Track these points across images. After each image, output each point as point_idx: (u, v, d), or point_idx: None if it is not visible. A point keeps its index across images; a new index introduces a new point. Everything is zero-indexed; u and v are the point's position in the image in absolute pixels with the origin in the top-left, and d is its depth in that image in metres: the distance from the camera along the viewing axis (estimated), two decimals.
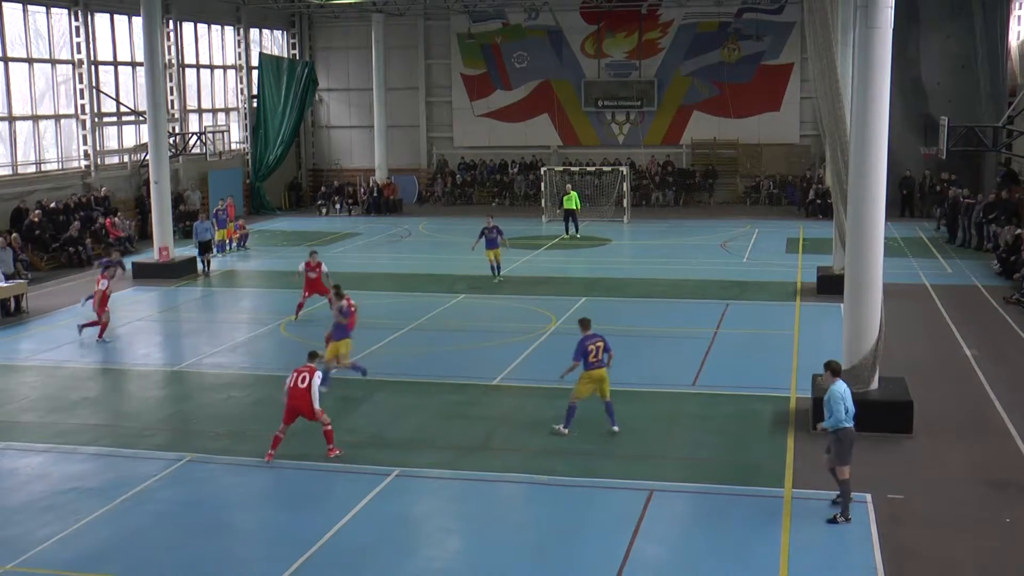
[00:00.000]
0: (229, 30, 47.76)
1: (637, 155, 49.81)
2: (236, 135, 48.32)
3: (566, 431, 16.53)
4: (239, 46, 48.18)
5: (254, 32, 49.69)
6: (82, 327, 23.70)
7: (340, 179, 51.33)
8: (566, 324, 24.32)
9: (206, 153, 43.65)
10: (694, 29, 48.93)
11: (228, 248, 36.41)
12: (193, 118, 45.22)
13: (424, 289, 28.82)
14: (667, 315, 25.19)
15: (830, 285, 26.12)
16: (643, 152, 49.87)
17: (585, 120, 50.58)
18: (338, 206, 48.56)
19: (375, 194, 48.41)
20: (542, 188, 44.64)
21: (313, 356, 16.23)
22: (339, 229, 42.56)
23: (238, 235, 37.08)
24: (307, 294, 24.88)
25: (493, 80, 51.21)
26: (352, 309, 19.50)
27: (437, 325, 24.62)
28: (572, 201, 39.14)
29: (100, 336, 23.40)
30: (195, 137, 43.69)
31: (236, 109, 48.57)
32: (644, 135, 49.97)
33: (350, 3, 46.36)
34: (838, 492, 13.35)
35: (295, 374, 15.71)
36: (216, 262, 34.32)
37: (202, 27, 45.91)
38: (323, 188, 49.87)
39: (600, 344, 16.45)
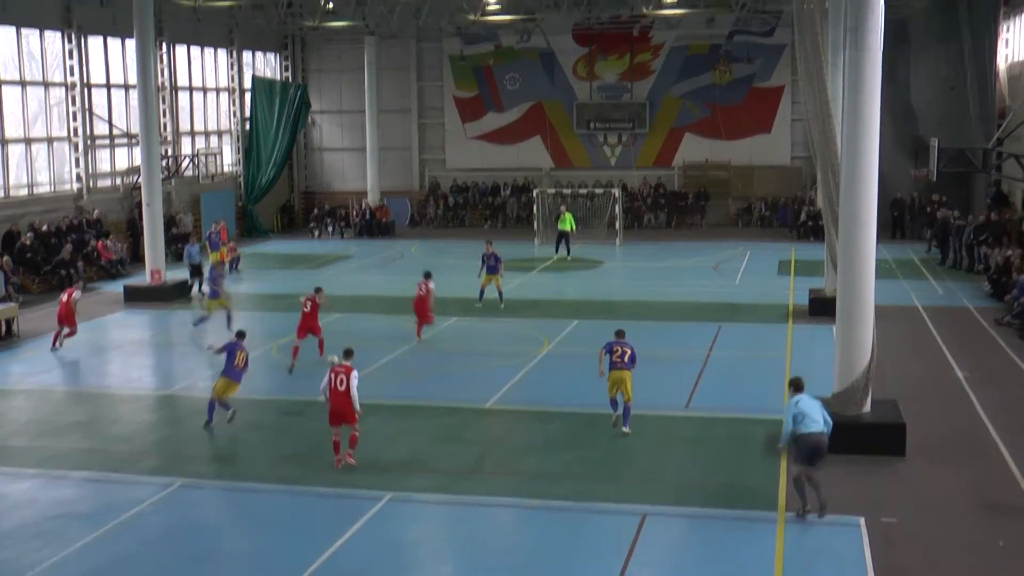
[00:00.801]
0: (222, 53, 47.86)
1: (629, 177, 49.92)
2: (228, 157, 48.33)
3: (624, 429, 17.58)
4: (232, 68, 48.26)
5: (247, 55, 49.78)
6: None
7: (332, 202, 51.34)
8: (559, 347, 24.29)
9: (198, 175, 43.64)
10: (685, 51, 49.16)
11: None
12: (186, 140, 45.22)
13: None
14: (660, 337, 25.15)
15: (822, 307, 26.12)
16: (635, 174, 49.99)
17: (577, 142, 50.71)
18: (330, 229, 48.55)
19: (367, 216, 48.43)
20: (534, 210, 44.69)
21: (349, 354, 16.39)
22: (331, 252, 42.53)
23: (230, 258, 37.00)
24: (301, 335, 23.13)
25: (485, 102, 51.34)
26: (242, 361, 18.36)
27: (429, 348, 24.57)
28: (567, 223, 39.22)
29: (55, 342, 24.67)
30: (187, 159, 43.70)
31: (229, 131, 48.60)
32: (636, 157, 50.11)
33: (343, 26, 46.51)
34: (819, 505, 13.95)
35: (332, 375, 16.02)
36: (205, 287, 34.26)
37: (195, 50, 46.00)
38: (315, 211, 49.86)
39: (628, 349, 17.78)
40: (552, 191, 45.79)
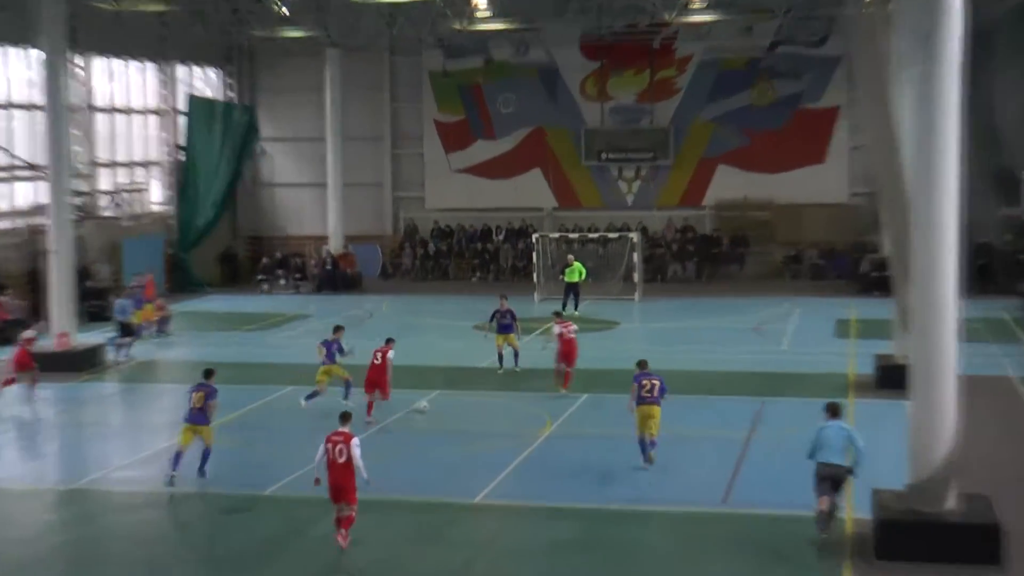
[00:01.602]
0: (151, 67, 48.10)
1: (650, 219, 50.07)
2: (158, 195, 48.40)
3: (645, 464, 20.52)
4: (163, 86, 48.49)
5: (182, 69, 50.07)
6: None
7: (286, 249, 51.38)
8: (565, 427, 24.15)
9: (120, 217, 43.63)
10: (717, 66, 49.54)
11: (144, 334, 36.18)
12: (105, 174, 45.32)
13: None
14: (689, 416, 24.94)
15: (891, 378, 25.96)
16: (657, 215, 50.14)
17: (586, 176, 50.92)
18: (283, 282, 48.52)
19: (329, 267, 48.43)
20: (534, 259, 44.75)
21: (346, 419, 17.20)
22: (284, 310, 42.44)
23: (157, 318, 36.92)
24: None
25: (473, 128, 51.60)
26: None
27: (406, 427, 24.42)
28: (575, 273, 39.32)
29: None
30: (107, 197, 43.74)
31: (158, 163, 48.70)
32: (658, 194, 50.29)
33: (300, 36, 46.81)
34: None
35: (329, 445, 16.70)
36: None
37: (117, 63, 46.24)
38: (265, 260, 49.86)
39: (656, 383, 20.61)
40: (556, 236, 45.81)
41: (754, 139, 49.19)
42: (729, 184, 49.78)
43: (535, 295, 43.60)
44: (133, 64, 47.17)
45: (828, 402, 17.71)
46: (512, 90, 51.19)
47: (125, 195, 44.10)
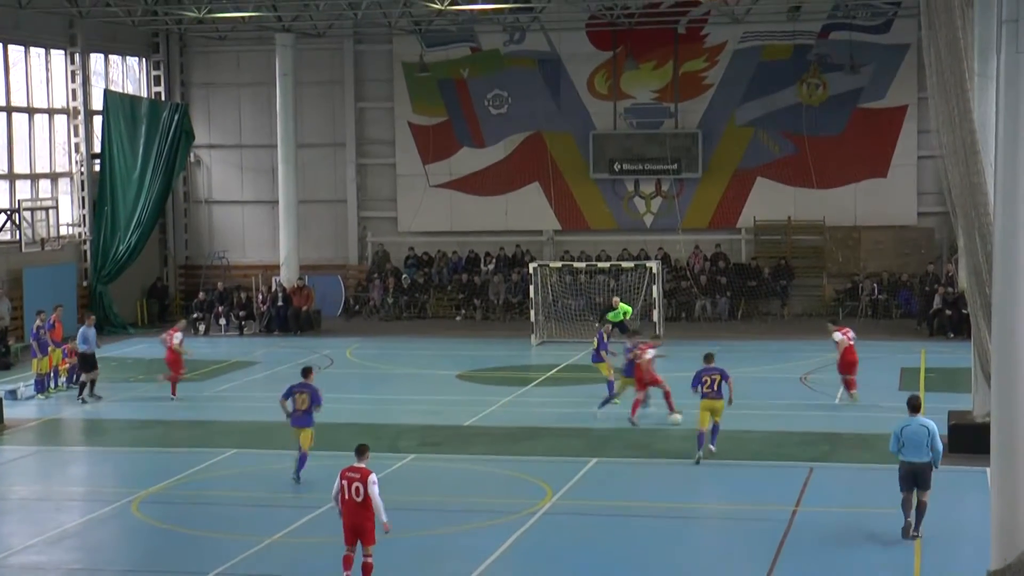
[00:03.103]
0: (57, 55, 48.02)
1: (673, 245, 50.12)
2: (69, 214, 48.36)
3: (700, 453, 25.96)
4: (73, 80, 48.48)
5: (97, 59, 50.11)
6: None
7: (227, 281, 51.36)
8: (569, 499, 24.10)
9: (20, 241, 43.58)
10: (757, 56, 49.71)
11: (51, 386, 36.15)
12: (1, 187, 45.32)
13: (352, 447, 28.29)
14: (720, 485, 25.01)
15: (969, 439, 25.99)
16: (682, 240, 50.16)
17: (595, 192, 51.03)
18: (224, 321, 48.47)
19: (280, 303, 48.40)
20: (531, 294, 44.76)
21: (363, 453, 18.63)
22: (225, 356, 42.43)
23: (68, 366, 36.84)
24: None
25: (457, 133, 51.73)
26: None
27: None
28: (620, 315, 39.75)
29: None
30: (3, 216, 43.67)
31: (69, 175, 48.72)
32: (683, 215, 50.36)
33: (243, 18, 46.82)
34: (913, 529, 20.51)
35: (344, 482, 18.17)
36: (31, 407, 34.16)
37: (16, 50, 46.16)
38: (201, 294, 49.79)
39: (717, 377, 26.07)
40: (557, 265, 45.86)
41: (801, 146, 49.31)
42: (770, 202, 49.92)
43: (532, 338, 43.59)
44: (36, 52, 47.12)
45: (909, 396, 21.54)
46: (505, 86, 51.32)
47: (27, 214, 44.00)
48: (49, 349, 35.90)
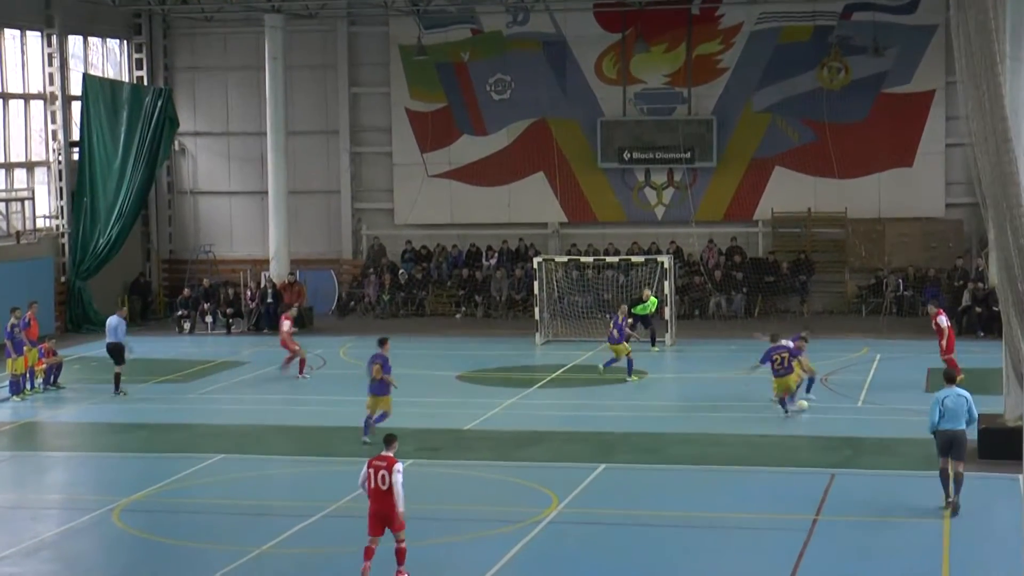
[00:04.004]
0: (33, 37, 47.94)
1: (686, 238, 50.12)
2: (45, 205, 48.33)
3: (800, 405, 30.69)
4: (50, 63, 48.43)
5: (75, 41, 50.05)
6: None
7: (214, 276, 51.36)
8: (576, 507, 24.07)
9: None
10: (775, 38, 49.65)
11: (27, 388, 36.13)
12: None
13: (345, 452, 28.47)
14: (735, 493, 24.98)
15: (999, 444, 25.93)
16: (695, 233, 50.14)
17: (603, 182, 51.00)
18: (210, 318, 48.46)
19: (269, 300, 48.38)
20: (535, 290, 44.77)
21: (390, 442, 19.93)
22: (211, 356, 42.41)
23: (44, 366, 36.85)
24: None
25: (457, 120, 51.70)
26: None
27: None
28: (648, 308, 40.41)
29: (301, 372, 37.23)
30: None
31: (45, 164, 48.69)
32: (697, 206, 50.33)
33: None
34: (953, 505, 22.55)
35: (371, 471, 19.47)
36: (5, 410, 34.17)
37: None
38: (186, 290, 49.77)
39: (785, 355, 29.55)
40: (563, 260, 45.81)
41: (822, 134, 49.23)
42: (789, 193, 49.88)
43: (536, 336, 43.56)
44: (10, 34, 47.06)
45: (946, 371, 24.92)
46: (508, 70, 51.29)
47: (0, 205, 44.00)
48: (24, 349, 35.86)
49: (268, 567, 20.87)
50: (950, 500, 22.87)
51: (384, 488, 19.30)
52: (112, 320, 36.66)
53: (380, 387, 28.71)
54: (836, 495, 24.78)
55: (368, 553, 19.28)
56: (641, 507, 23.50)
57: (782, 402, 30.70)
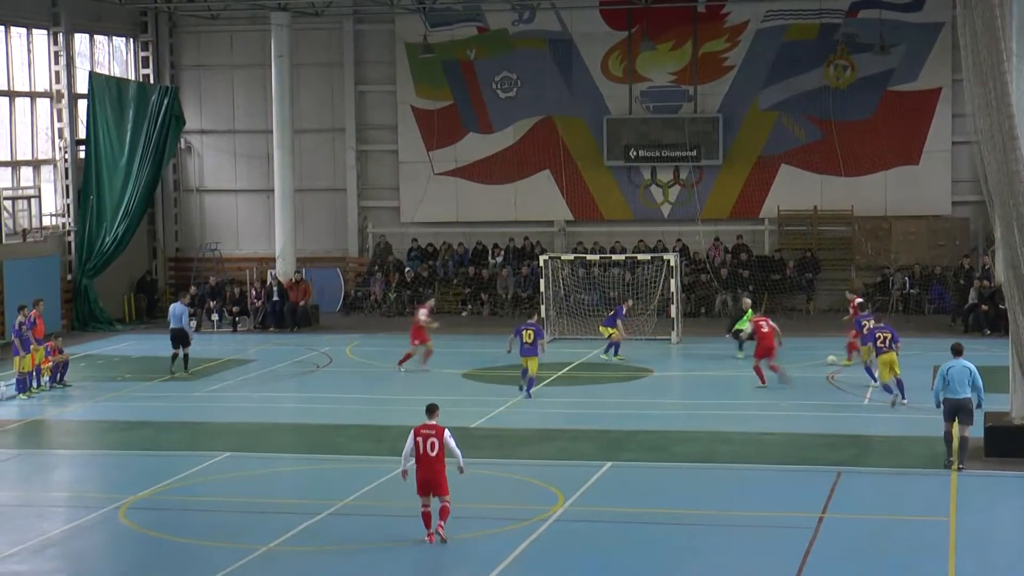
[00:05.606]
0: (40, 36, 48.00)
1: (692, 236, 50.15)
2: (52, 203, 48.35)
3: (904, 401, 31.57)
4: (56, 61, 48.46)
5: (81, 39, 50.06)
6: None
7: (220, 274, 51.38)
8: (582, 505, 24.09)
9: (1, 232, 43.59)
10: (781, 36, 49.63)
11: (33, 386, 36.16)
12: None
13: (352, 450, 28.71)
14: (741, 491, 24.98)
15: (1006, 442, 26.01)
16: (701, 231, 50.17)
17: (609, 180, 51.01)
18: (216, 317, 48.49)
19: (276, 298, 48.41)
20: (541, 288, 44.77)
21: (433, 411, 21.52)
22: (218, 354, 42.40)
23: (51, 364, 36.88)
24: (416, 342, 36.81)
25: (463, 117, 51.69)
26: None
27: (374, 507, 24.37)
28: (749, 317, 39.06)
29: (401, 362, 37.95)
30: None
31: (52, 162, 48.72)
32: (703, 204, 50.32)
33: None
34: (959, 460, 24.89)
35: (419, 438, 21.09)
36: (12, 408, 34.21)
37: None
38: (192, 289, 49.76)
39: (888, 335, 31.62)
40: (569, 257, 45.79)
41: (828, 132, 49.26)
42: (795, 190, 49.86)
43: (544, 333, 43.50)
44: (16, 32, 47.07)
45: (953, 343, 26.47)
46: (514, 68, 51.29)
47: (7, 203, 44.03)
48: (31, 347, 35.92)
49: (274, 565, 20.89)
50: (950, 459, 25.15)
51: (433, 454, 20.95)
52: (176, 307, 38.86)
53: (532, 349, 33.63)
54: (842, 493, 24.79)
55: (426, 519, 21.09)
56: (647, 505, 23.51)
57: (887, 388, 31.90)
